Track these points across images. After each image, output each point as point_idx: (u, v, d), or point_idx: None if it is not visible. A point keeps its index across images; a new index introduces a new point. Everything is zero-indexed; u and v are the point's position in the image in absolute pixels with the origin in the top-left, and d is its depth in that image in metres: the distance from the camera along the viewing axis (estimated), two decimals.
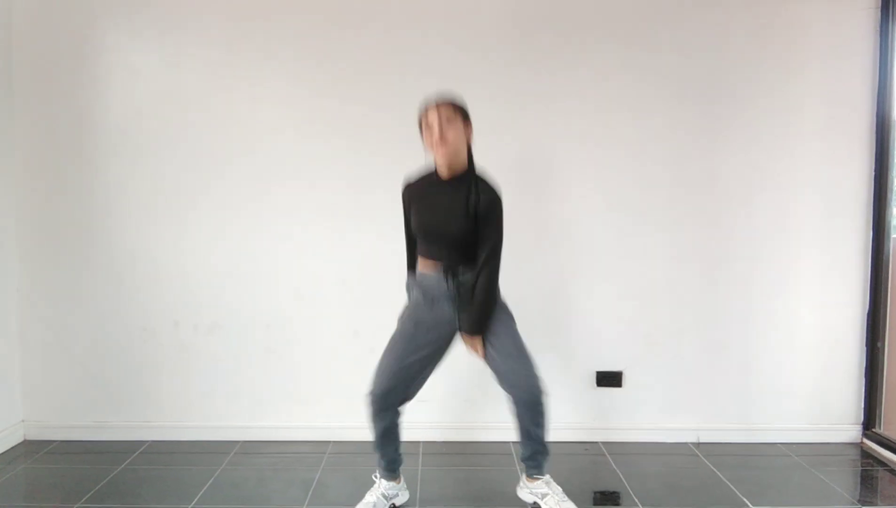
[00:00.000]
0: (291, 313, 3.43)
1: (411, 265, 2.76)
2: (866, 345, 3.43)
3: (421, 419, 3.30)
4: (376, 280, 3.36)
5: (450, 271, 2.58)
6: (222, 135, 3.37)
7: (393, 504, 2.77)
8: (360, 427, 3.40)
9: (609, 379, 3.45)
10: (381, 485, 2.77)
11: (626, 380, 3.46)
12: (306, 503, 2.80)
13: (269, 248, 3.41)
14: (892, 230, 3.38)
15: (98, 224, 3.41)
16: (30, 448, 3.38)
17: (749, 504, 2.81)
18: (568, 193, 3.39)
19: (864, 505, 2.83)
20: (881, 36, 3.32)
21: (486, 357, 2.62)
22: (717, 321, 3.43)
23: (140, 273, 3.42)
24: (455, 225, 2.52)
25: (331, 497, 2.87)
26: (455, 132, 2.51)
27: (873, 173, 3.37)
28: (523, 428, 2.66)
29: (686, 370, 3.44)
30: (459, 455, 3.32)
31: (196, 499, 2.82)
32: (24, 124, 3.38)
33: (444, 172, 2.57)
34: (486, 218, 2.52)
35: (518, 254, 3.35)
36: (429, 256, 2.63)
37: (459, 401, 3.44)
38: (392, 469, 2.77)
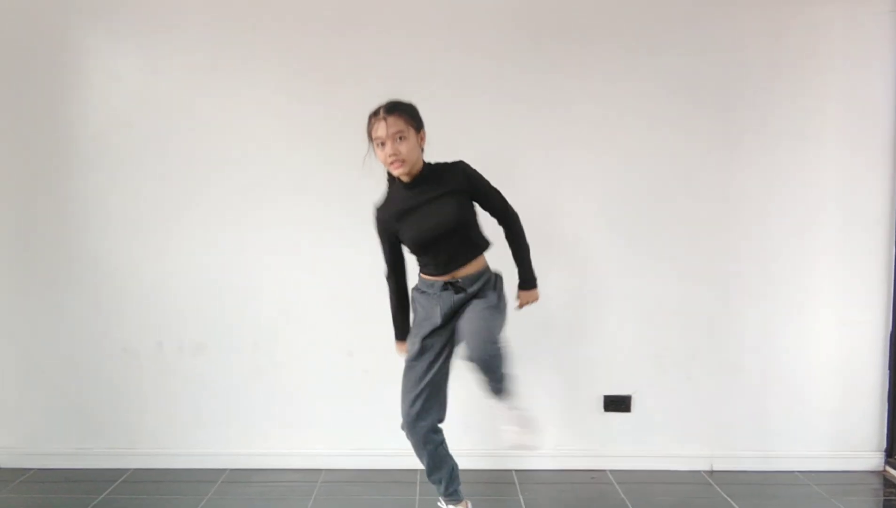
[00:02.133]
0: (281, 332, 3.28)
1: (396, 291, 2.69)
2: (889, 367, 3.29)
3: None
4: (370, 297, 3.17)
5: (449, 286, 2.52)
6: (207, 144, 3.22)
7: None
8: (353, 455, 3.31)
9: (617, 404, 3.31)
10: None
11: (635, 405, 3.31)
12: None
13: (257, 263, 3.26)
14: None
15: (76, 238, 3.24)
16: (3, 477, 3.22)
17: None
18: (574, 205, 3.25)
19: None
20: None
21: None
22: (731, 342, 3.29)
23: (121, 291, 3.26)
24: (449, 216, 2.47)
25: None
26: (409, 147, 2.43)
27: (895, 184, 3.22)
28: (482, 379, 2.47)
29: (698, 393, 3.30)
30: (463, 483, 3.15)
31: None
32: None
33: (405, 179, 2.52)
34: (471, 187, 2.52)
35: None
36: (432, 269, 2.56)
37: (456, 426, 3.27)
38: (453, 493, 2.70)
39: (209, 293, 3.26)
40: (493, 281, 2.57)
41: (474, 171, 2.54)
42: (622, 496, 3.03)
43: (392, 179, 2.57)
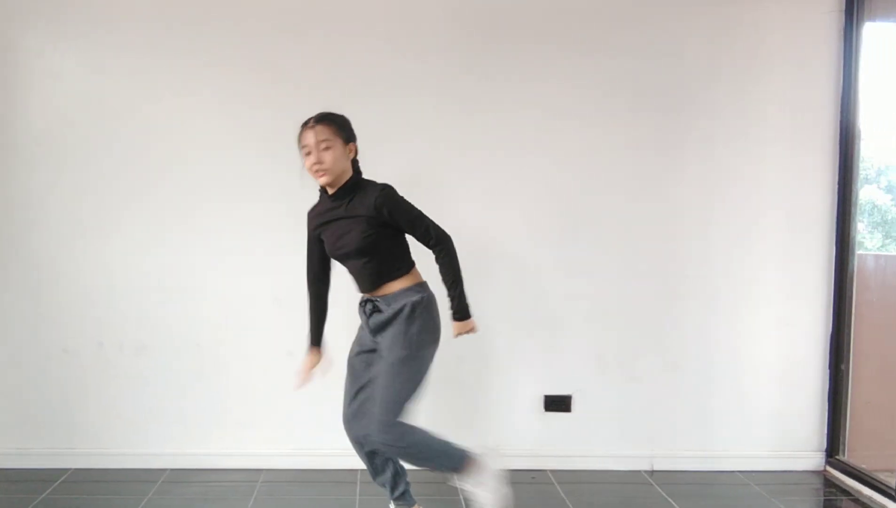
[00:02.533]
0: (223, 332, 3.28)
1: (316, 299, 2.67)
2: (829, 367, 3.30)
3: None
4: None
5: (369, 303, 2.51)
6: (151, 145, 3.22)
7: None
8: (293, 455, 3.30)
9: (558, 404, 3.31)
10: None
11: (575, 404, 3.32)
12: None
13: (200, 264, 3.25)
14: (857, 246, 3.26)
15: (16, 238, 3.23)
16: None
17: None
18: (513, 206, 3.26)
19: None
20: (845, 40, 3.22)
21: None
22: (672, 342, 3.30)
23: (62, 290, 3.25)
24: (350, 243, 2.44)
25: None
26: (333, 156, 2.42)
27: (837, 186, 3.25)
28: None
29: (639, 393, 3.31)
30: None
31: None
32: None
33: (328, 190, 2.52)
34: (392, 213, 2.43)
35: None
36: (354, 283, 2.57)
37: None
38: (400, 497, 2.67)
39: (151, 294, 3.25)
40: (413, 309, 2.43)
41: (395, 199, 2.44)
42: (562, 496, 3.03)
43: (322, 187, 2.56)
